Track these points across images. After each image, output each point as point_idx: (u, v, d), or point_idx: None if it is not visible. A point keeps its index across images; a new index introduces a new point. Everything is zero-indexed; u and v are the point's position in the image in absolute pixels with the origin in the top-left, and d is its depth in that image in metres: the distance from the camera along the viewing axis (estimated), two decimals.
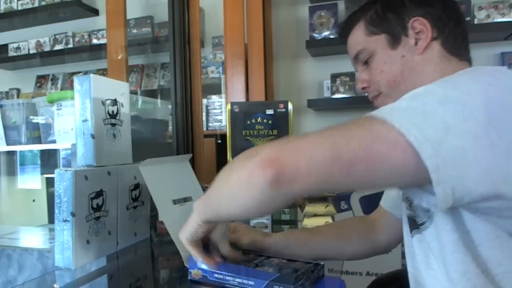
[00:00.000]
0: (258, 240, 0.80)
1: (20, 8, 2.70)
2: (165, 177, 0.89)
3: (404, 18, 0.69)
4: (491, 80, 0.51)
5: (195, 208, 0.63)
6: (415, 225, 0.65)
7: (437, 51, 0.69)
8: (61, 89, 2.74)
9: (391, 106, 0.50)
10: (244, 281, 0.61)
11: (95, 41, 2.60)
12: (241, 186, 0.50)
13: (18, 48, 2.80)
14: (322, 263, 0.69)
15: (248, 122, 1.20)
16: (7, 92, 2.94)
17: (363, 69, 0.76)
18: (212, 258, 0.67)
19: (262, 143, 1.19)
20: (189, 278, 0.70)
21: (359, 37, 0.75)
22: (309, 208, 1.08)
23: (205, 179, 0.95)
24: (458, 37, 0.69)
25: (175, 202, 0.86)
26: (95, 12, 2.65)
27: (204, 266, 0.67)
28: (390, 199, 0.89)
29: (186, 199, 0.90)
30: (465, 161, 0.45)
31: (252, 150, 0.52)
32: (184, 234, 0.65)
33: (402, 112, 0.48)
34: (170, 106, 1.64)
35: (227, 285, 0.63)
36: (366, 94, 0.78)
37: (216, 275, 0.65)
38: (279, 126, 1.20)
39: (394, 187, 0.81)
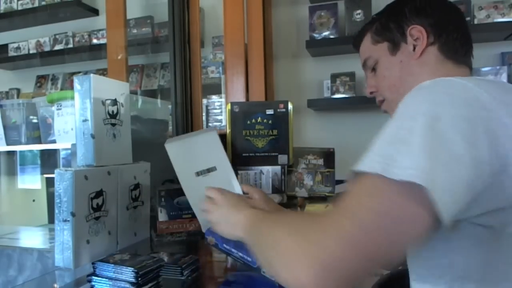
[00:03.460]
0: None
1: (20, 8, 2.69)
2: (189, 151, 0.93)
3: (403, 27, 0.75)
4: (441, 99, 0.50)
5: (242, 231, 0.68)
6: None
7: (433, 56, 0.73)
8: (61, 89, 2.73)
9: (394, 155, 0.48)
10: (244, 256, 0.71)
11: (95, 41, 2.60)
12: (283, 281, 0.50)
13: (18, 48, 2.80)
14: None
15: (248, 122, 1.20)
16: (7, 92, 2.94)
17: (371, 75, 0.83)
18: None
19: (262, 143, 1.19)
20: (205, 243, 0.82)
21: (366, 46, 0.82)
22: (309, 208, 1.08)
23: None
24: (457, 42, 0.73)
25: (198, 174, 0.92)
26: (95, 12, 2.65)
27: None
28: None
29: (210, 170, 0.93)
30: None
31: (295, 241, 0.50)
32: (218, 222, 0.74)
33: (417, 153, 0.46)
34: (170, 106, 1.64)
35: (232, 256, 0.74)
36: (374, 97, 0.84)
37: (225, 245, 0.75)
38: (279, 126, 1.20)
39: None
